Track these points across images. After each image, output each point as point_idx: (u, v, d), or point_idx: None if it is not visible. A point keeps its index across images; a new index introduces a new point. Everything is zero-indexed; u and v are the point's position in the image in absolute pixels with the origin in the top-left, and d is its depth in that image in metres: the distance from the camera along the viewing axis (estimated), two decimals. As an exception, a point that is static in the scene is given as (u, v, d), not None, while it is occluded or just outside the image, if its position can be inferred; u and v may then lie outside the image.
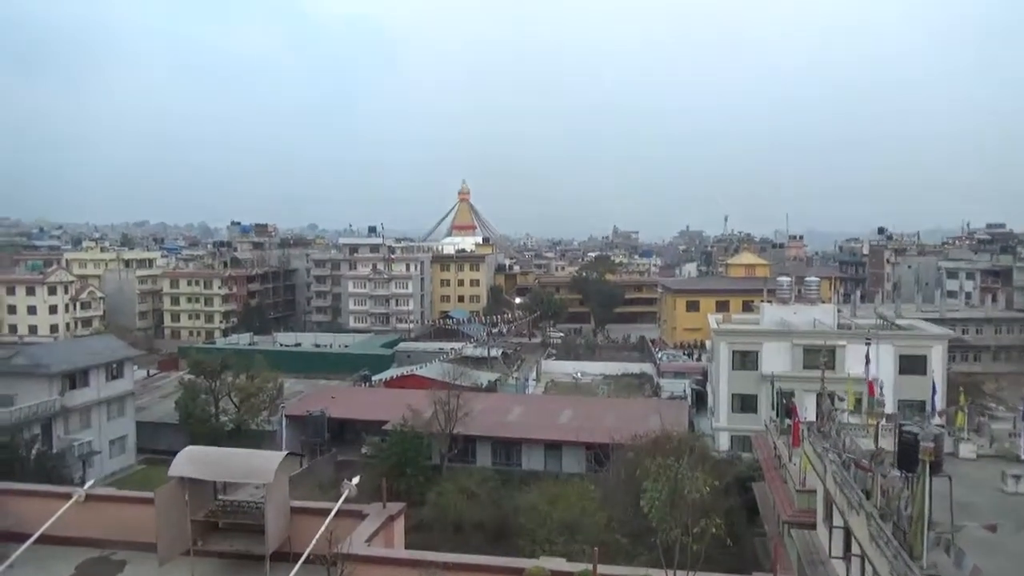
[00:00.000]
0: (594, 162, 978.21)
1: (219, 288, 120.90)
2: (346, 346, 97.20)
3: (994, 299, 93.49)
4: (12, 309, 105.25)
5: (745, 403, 55.28)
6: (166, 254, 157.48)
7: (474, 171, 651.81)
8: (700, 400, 68.68)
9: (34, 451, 45.14)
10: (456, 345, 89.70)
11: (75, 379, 53.99)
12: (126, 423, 58.40)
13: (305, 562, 9.35)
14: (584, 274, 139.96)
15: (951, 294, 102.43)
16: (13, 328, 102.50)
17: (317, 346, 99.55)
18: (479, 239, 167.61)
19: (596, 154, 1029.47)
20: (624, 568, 10.68)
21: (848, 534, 22.37)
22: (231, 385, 58.48)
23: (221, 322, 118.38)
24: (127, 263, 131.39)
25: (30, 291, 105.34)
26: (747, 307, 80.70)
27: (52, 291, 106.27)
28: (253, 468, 10.45)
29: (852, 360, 47.98)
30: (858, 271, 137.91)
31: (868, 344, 39.34)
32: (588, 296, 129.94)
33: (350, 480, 10.97)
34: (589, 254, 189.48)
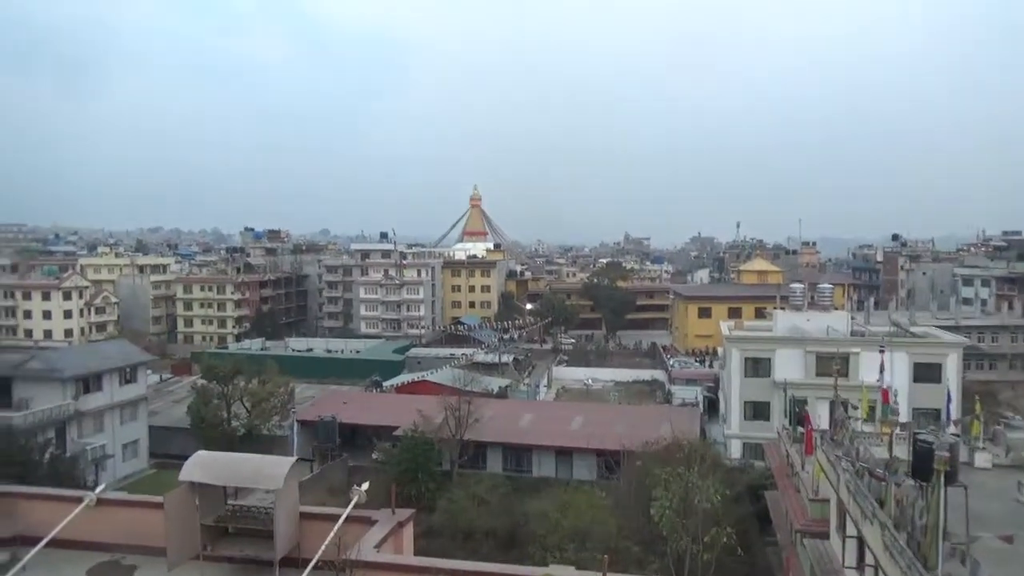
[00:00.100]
0: (606, 168, 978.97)
1: (232, 293, 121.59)
2: (358, 351, 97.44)
3: (1010, 306, 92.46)
4: (28, 314, 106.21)
5: (757, 410, 54.99)
6: (180, 260, 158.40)
7: (485, 177, 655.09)
8: (712, 407, 68.32)
9: (48, 454, 45.43)
10: (467, 351, 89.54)
11: (89, 383, 54.42)
12: (139, 427, 58.83)
13: (314, 568, 9.34)
14: (595, 280, 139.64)
15: (966, 301, 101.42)
16: (29, 333, 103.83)
17: (329, 351, 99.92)
18: (490, 245, 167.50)
19: (608, 160, 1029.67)
20: (634, 576, 10.62)
21: (862, 544, 22.14)
22: (243, 390, 58.91)
23: (234, 327, 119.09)
24: (141, 269, 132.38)
25: (46, 296, 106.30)
26: (759, 314, 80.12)
27: (67, 296, 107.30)
28: (263, 473, 10.48)
29: (866, 368, 47.77)
30: (872, 278, 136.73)
31: (882, 351, 39.05)
32: (599, 302, 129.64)
33: (359, 486, 10.96)
34: (600, 260, 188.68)
